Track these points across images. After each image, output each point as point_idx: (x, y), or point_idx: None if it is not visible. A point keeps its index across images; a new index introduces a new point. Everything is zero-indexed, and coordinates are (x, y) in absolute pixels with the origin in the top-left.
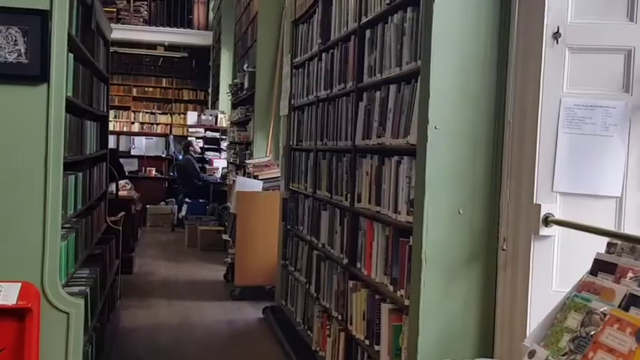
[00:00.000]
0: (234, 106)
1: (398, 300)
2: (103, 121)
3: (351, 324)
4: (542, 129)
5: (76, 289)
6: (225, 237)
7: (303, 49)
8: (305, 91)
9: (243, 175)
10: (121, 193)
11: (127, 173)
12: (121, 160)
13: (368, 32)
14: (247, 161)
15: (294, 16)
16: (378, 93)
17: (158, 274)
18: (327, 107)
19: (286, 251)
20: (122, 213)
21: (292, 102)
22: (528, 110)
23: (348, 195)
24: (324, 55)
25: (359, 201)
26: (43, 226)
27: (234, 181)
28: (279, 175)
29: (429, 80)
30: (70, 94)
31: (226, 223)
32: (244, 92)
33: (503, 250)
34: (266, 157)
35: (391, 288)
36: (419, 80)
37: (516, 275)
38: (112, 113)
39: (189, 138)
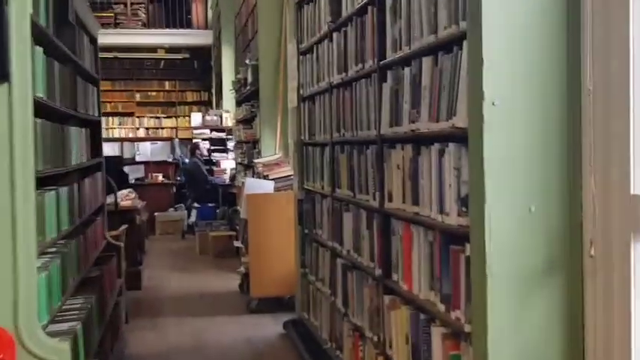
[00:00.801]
0: (238, 104)
1: (452, 323)
2: (94, 126)
3: (390, 348)
4: (636, 97)
5: (65, 325)
6: (237, 244)
7: (310, 32)
8: (315, 79)
9: (252, 176)
10: (124, 203)
11: (133, 181)
12: (126, 168)
13: (389, 0)
14: (255, 160)
15: None
16: (407, 70)
17: (169, 288)
18: (343, 93)
19: (305, 258)
20: (124, 226)
21: (301, 92)
22: (614, 74)
23: (376, 194)
24: (335, 34)
25: (390, 200)
26: (13, 258)
27: (243, 183)
28: (291, 173)
29: (481, 44)
30: (41, 95)
31: (238, 227)
32: (248, 88)
33: (591, 256)
34: (275, 154)
35: (442, 307)
36: (465, 46)
37: (610, 288)
38: (116, 120)
39: (194, 140)
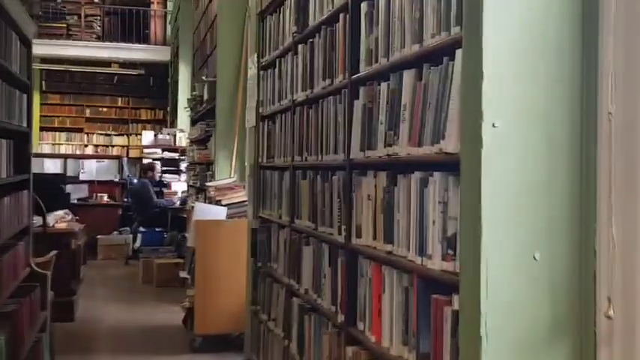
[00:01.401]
0: (193, 123)
1: None
2: (21, 139)
3: None
4: None
5: None
6: (183, 274)
7: (272, 44)
8: (276, 96)
9: (204, 201)
10: (58, 225)
11: (75, 201)
12: (69, 187)
13: (365, 5)
14: (208, 184)
15: (261, 7)
16: (383, 85)
17: (106, 320)
18: (307, 112)
19: (257, 294)
20: (54, 252)
21: (260, 110)
22: None
23: (342, 227)
24: (300, 47)
25: (358, 236)
26: None
27: (192, 207)
28: (245, 199)
29: (481, 54)
30: None
31: (185, 254)
32: (204, 105)
33: (608, 316)
34: (230, 178)
35: None
36: (459, 56)
37: (632, 357)
38: (63, 136)
39: (145, 161)
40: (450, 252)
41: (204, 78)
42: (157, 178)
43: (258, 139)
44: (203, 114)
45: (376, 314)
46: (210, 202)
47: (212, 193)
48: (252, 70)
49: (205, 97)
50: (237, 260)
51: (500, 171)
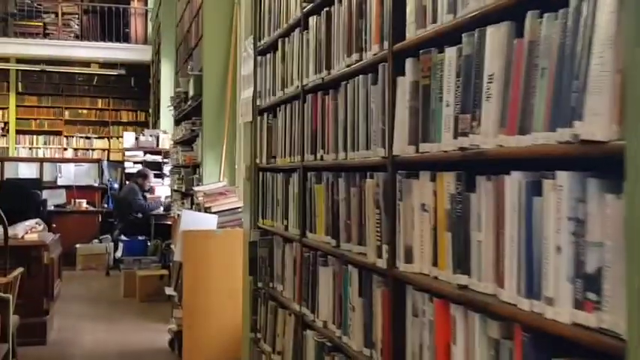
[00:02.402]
0: (177, 122)
1: None
2: None
3: None
4: None
5: None
6: (169, 291)
7: (273, 23)
8: (279, 84)
9: (191, 207)
10: (28, 236)
11: (52, 207)
12: (45, 193)
13: None
14: (195, 188)
15: None
16: (448, 52)
17: (82, 342)
18: (323, 99)
19: (257, 320)
20: (19, 270)
21: (258, 103)
22: None
23: (383, 247)
24: (312, 19)
25: (408, 260)
26: None
27: (178, 215)
28: (239, 205)
29: None
30: None
31: (170, 265)
32: (189, 103)
33: None
34: (220, 182)
35: None
36: None
37: None
38: (41, 139)
39: (142, 168)
40: (592, 296)
41: (189, 72)
42: (147, 188)
43: (255, 137)
44: (188, 112)
45: None
46: (198, 209)
47: (200, 199)
48: (247, 57)
49: (191, 93)
50: (232, 278)
51: None
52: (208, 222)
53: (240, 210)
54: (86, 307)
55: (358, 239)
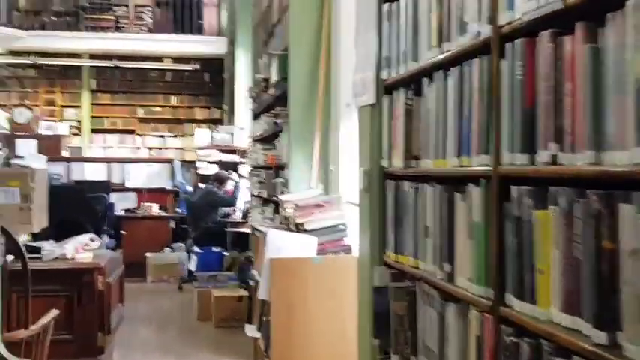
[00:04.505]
0: (255, 117)
1: None
2: None
3: None
4: None
5: None
6: (250, 331)
7: None
8: (425, 40)
9: (273, 218)
10: (79, 256)
11: (120, 212)
12: (114, 196)
13: None
14: (283, 198)
15: None
16: None
17: None
18: (556, 45)
19: None
20: (52, 314)
21: (385, 75)
22: None
23: None
24: None
25: None
26: None
27: (260, 232)
28: (341, 222)
29: None
30: None
31: (250, 283)
32: (271, 91)
33: None
34: (313, 189)
35: None
36: None
37: None
38: (115, 138)
39: (219, 171)
40: None
41: (271, 51)
42: (230, 191)
43: (378, 127)
44: (270, 103)
45: None
46: (285, 225)
47: (289, 211)
48: (367, 3)
49: (273, 78)
50: (340, 330)
51: None
52: (304, 246)
53: (342, 228)
54: (154, 334)
55: None
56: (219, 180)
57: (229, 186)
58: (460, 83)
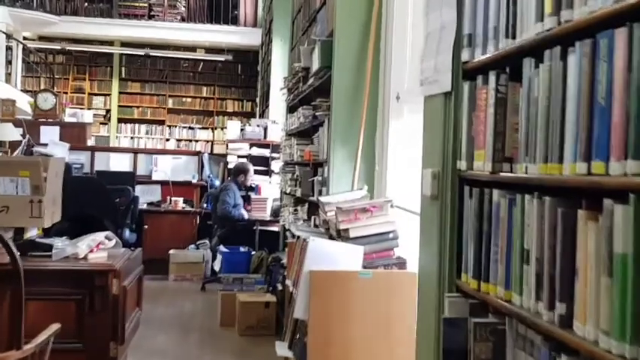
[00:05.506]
0: (291, 110)
1: None
2: None
3: None
4: None
5: None
6: (281, 350)
7: None
8: (530, 13)
9: (308, 219)
10: (93, 256)
11: (144, 206)
12: (138, 189)
13: None
14: (323, 199)
15: None
16: None
17: None
18: None
19: None
20: (52, 329)
21: (465, 58)
22: None
23: None
24: None
25: None
26: None
27: (299, 239)
28: (392, 229)
29: None
30: None
31: (278, 287)
32: (310, 82)
33: None
34: (357, 190)
35: None
36: None
37: None
38: (143, 129)
39: (241, 161)
40: None
41: (314, 36)
42: (249, 184)
43: (455, 120)
44: (308, 94)
45: None
46: (325, 229)
47: (331, 215)
48: None
49: (315, 66)
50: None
51: None
52: (348, 256)
53: (393, 237)
54: (173, 341)
55: None
56: (241, 171)
57: (249, 180)
58: (592, 61)
